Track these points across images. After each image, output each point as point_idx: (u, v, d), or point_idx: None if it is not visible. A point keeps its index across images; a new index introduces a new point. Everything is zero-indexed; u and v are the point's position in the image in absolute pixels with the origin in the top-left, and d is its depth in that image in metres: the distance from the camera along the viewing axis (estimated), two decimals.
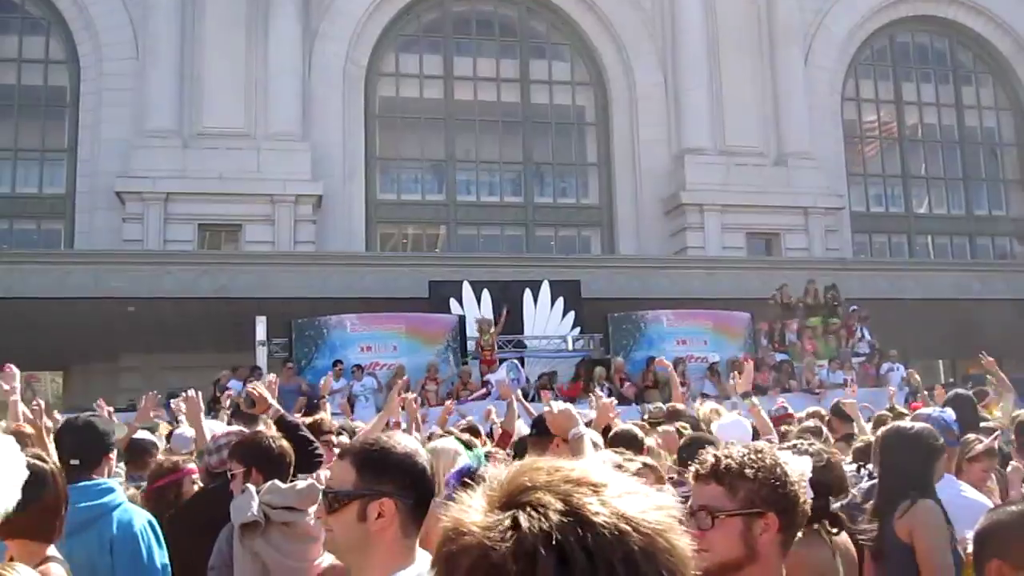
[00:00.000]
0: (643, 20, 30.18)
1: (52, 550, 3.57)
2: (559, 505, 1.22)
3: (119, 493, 4.43)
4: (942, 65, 34.02)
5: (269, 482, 4.56)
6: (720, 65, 29.86)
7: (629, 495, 1.26)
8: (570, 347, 22.20)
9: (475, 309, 21.54)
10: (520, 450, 6.10)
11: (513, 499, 1.25)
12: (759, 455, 2.56)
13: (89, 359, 24.77)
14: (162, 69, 26.33)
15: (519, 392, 11.91)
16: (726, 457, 2.56)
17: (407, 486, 2.59)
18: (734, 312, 22.45)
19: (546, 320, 22.23)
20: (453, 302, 21.78)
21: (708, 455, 2.60)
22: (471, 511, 1.27)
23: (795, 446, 3.93)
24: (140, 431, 8.06)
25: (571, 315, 22.33)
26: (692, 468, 2.65)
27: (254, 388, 5.87)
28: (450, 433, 7.10)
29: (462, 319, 21.25)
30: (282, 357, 20.34)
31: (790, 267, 25.76)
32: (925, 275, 27.24)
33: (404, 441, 2.76)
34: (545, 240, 29.99)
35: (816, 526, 3.36)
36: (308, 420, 8.91)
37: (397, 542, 2.54)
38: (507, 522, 1.22)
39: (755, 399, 7.40)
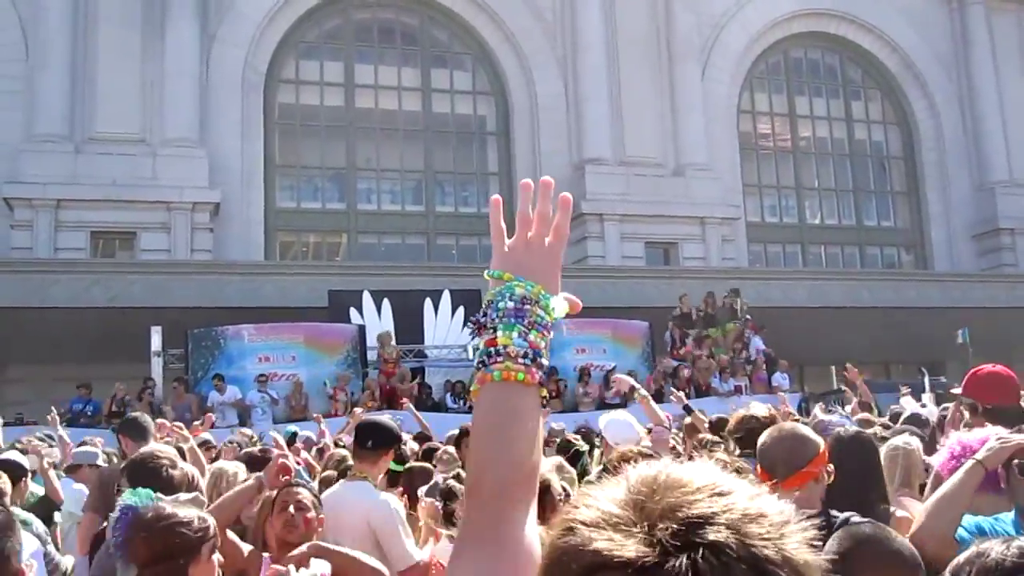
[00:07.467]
0: (544, 31, 30.40)
1: None
2: (741, 552, 0.99)
3: None
4: (833, 80, 35.05)
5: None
6: (620, 77, 30.23)
7: (784, 526, 1.04)
8: (471, 356, 22.20)
9: (375, 318, 21.42)
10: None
11: (685, 534, 0.99)
12: None
13: None
14: (53, 71, 25.59)
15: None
16: None
17: None
18: (632, 321, 22.74)
19: (447, 329, 22.20)
20: (353, 311, 21.63)
21: None
22: (620, 540, 1.00)
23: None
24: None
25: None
26: None
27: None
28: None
29: (362, 329, 21.07)
30: (178, 368, 19.98)
31: (687, 276, 26.22)
32: (817, 284, 28.01)
33: None
34: (446, 249, 29.98)
35: None
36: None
37: None
38: (684, 563, 0.97)
39: (644, 391, 7.53)
